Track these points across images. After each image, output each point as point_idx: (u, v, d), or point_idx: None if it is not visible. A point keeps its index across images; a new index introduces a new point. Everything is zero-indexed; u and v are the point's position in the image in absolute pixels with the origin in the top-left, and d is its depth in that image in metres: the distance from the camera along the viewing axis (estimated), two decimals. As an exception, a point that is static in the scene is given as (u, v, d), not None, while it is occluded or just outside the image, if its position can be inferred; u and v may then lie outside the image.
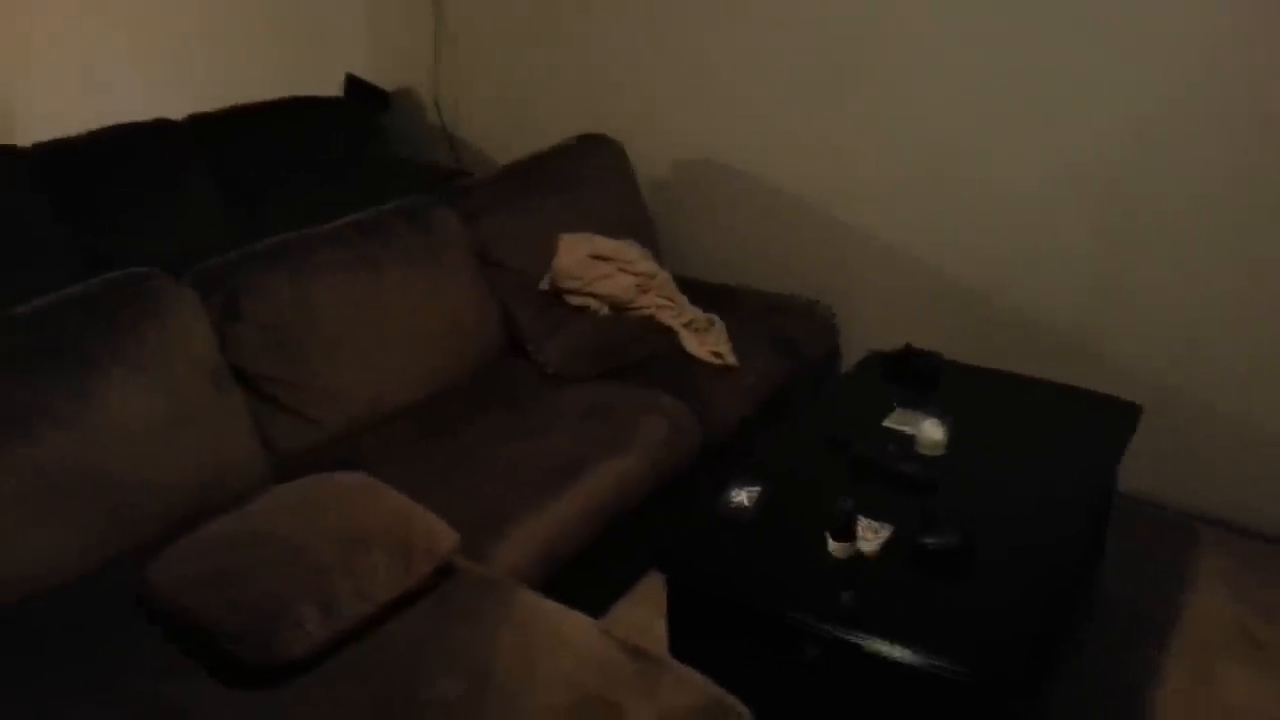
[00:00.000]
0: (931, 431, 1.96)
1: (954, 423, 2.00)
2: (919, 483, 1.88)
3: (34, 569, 1.67)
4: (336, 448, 2.17)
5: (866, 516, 1.76)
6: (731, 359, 2.45)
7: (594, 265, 2.52)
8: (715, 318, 2.56)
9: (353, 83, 3.62)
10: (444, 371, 2.41)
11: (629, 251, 2.60)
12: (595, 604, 2.11)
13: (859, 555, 1.64)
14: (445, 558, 1.72)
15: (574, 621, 1.65)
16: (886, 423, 2.09)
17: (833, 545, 1.59)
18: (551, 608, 1.68)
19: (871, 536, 1.72)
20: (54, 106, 5.05)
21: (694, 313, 2.57)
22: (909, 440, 2.01)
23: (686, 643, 1.77)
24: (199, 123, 3.24)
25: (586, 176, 2.85)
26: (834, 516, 1.60)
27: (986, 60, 2.48)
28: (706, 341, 2.49)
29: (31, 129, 5.20)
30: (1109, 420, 2.12)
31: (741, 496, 1.85)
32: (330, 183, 3.43)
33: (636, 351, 2.47)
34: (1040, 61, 2.41)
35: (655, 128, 3.09)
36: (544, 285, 2.59)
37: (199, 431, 1.93)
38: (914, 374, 2.28)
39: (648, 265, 2.61)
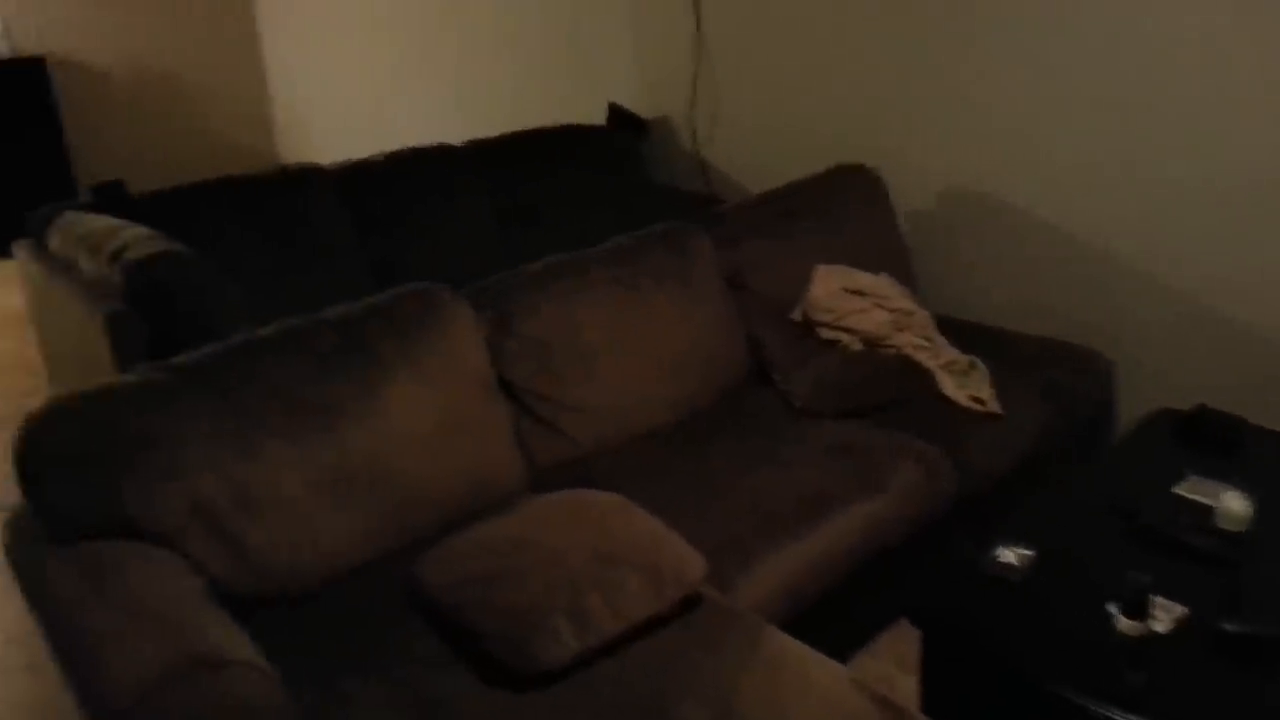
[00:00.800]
0: (1233, 504, 1.76)
1: (1261, 496, 1.78)
2: (1218, 559, 1.68)
3: (332, 554, 1.82)
4: (588, 464, 2.23)
5: (1157, 593, 1.59)
6: (995, 406, 2.31)
7: (849, 299, 2.46)
8: (977, 360, 2.43)
9: (615, 111, 3.75)
10: (692, 396, 2.43)
11: (885, 286, 2.52)
12: (835, 650, 2.04)
13: (1150, 635, 1.48)
14: (694, 586, 1.72)
15: (823, 667, 1.59)
16: (1178, 490, 1.89)
17: (1122, 621, 1.45)
18: (799, 649, 1.64)
19: (1163, 615, 1.55)
20: (346, 130, 5.60)
21: (953, 354, 2.46)
22: (1205, 512, 1.80)
23: (941, 703, 1.67)
24: (477, 148, 3.47)
25: (843, 207, 2.80)
26: (1123, 589, 1.46)
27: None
28: (966, 385, 2.36)
29: (326, 150, 5.80)
30: None
31: (1009, 556, 1.73)
32: (593, 206, 3.58)
33: (889, 391, 2.38)
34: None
35: (914, 158, 2.99)
36: (795, 315, 2.56)
37: (470, 437, 2.04)
38: (1210, 438, 2.07)
39: (904, 302, 2.52)
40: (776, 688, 1.55)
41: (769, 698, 1.52)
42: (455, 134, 3.73)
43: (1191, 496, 1.86)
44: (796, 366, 2.44)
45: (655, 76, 3.76)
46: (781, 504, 2.02)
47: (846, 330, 2.46)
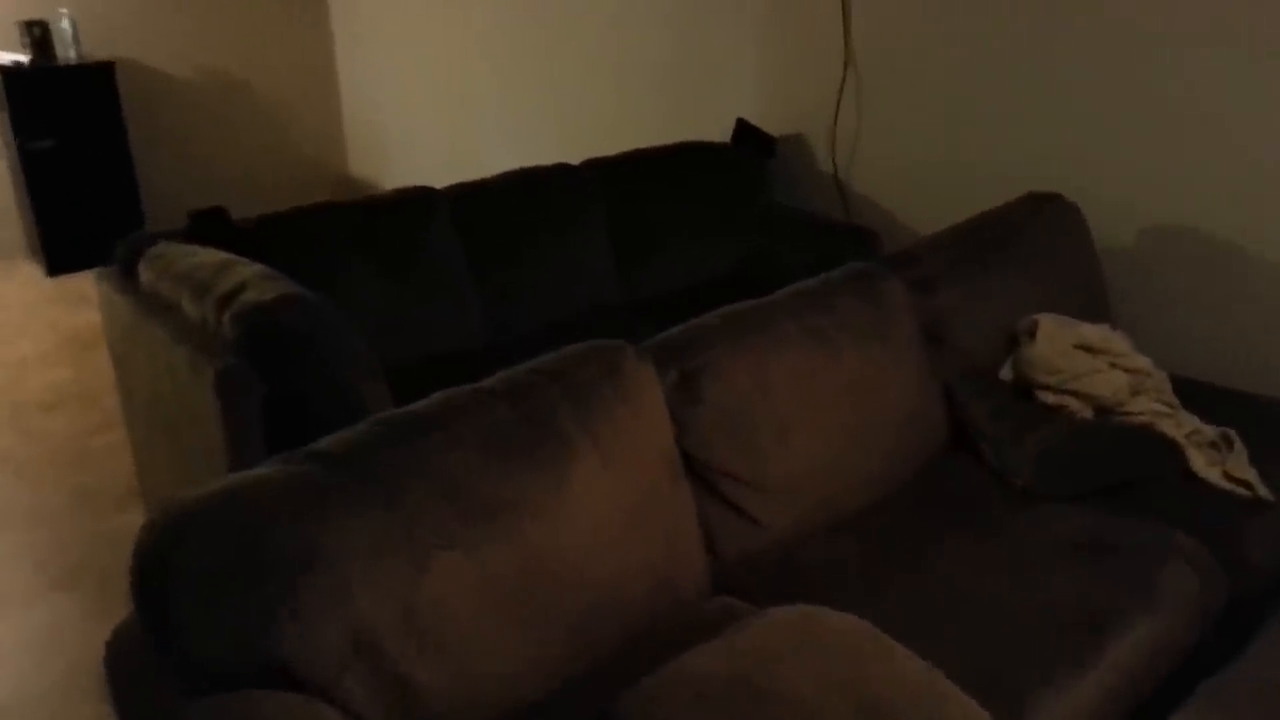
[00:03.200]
0: None
1: None
2: None
3: (508, 686, 1.48)
4: (780, 559, 1.87)
5: None
6: (1263, 490, 1.93)
7: (1080, 357, 2.09)
8: (1230, 432, 2.04)
9: (742, 128, 3.40)
10: (888, 472, 2.07)
11: (1116, 342, 2.15)
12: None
13: None
14: (983, 748, 1.36)
15: None
16: None
17: None
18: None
19: None
20: (425, 150, 5.29)
21: (1195, 423, 2.08)
22: None
23: None
24: (594, 167, 3.14)
25: (1043, 244, 2.42)
26: None
27: None
28: (1223, 463, 1.98)
29: (403, 172, 5.50)
30: None
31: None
32: (718, 231, 3.24)
33: (1131, 469, 2.00)
34: None
35: (1107, 189, 2.61)
36: (1005, 374, 2.19)
37: (658, 529, 1.70)
38: None
39: (1140, 360, 2.14)
40: None
41: None
42: (557, 157, 3.40)
43: None
44: (1015, 438, 2.06)
45: (789, 90, 3.41)
46: (1042, 622, 1.66)
47: (1076, 395, 2.09)
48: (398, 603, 1.38)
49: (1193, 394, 2.20)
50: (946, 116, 2.96)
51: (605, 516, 1.61)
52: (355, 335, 2.00)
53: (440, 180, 3.06)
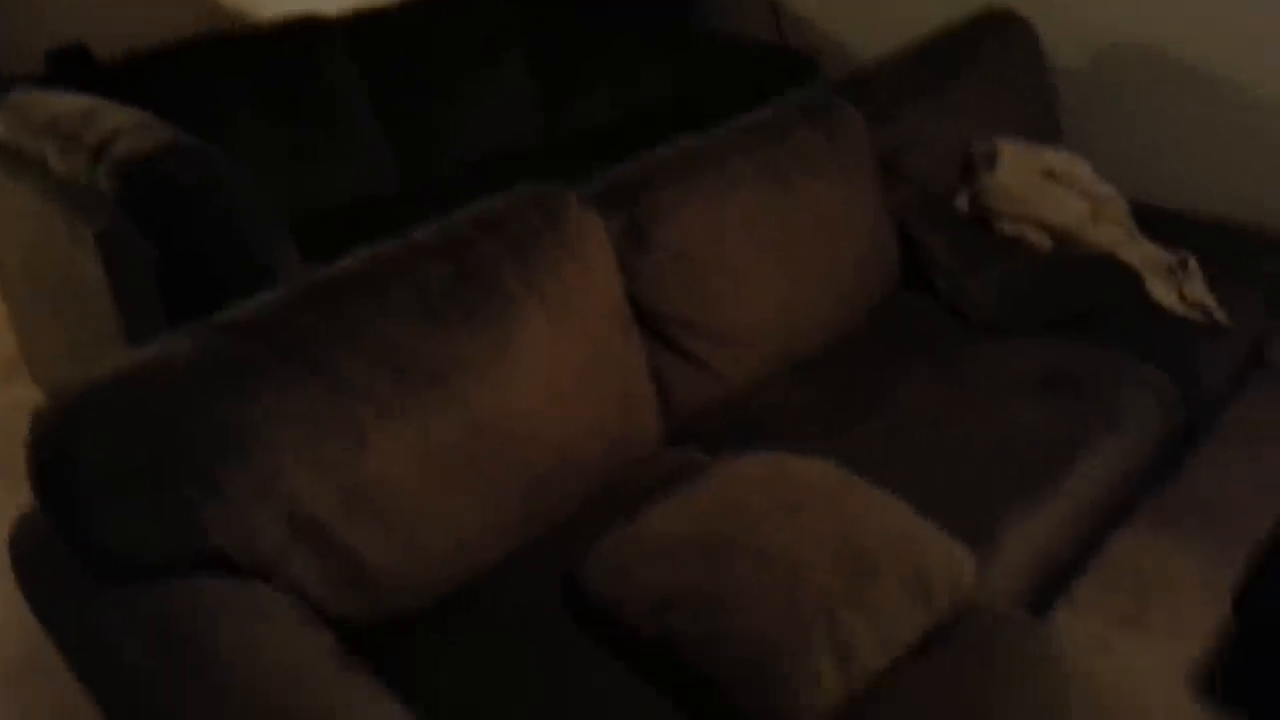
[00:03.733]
0: None
1: None
2: None
3: (464, 555, 1.38)
4: (736, 407, 1.78)
5: None
6: (1220, 314, 1.91)
7: (1041, 184, 1.99)
8: (1188, 257, 1.99)
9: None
10: (846, 312, 1.97)
11: (1078, 166, 2.06)
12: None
13: None
14: (969, 592, 1.32)
15: (1149, 683, 1.23)
16: None
17: None
18: (1114, 669, 1.27)
19: None
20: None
21: (1154, 250, 2.02)
22: None
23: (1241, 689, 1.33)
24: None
25: (999, 67, 2.28)
26: None
27: None
28: (1180, 288, 1.94)
29: None
30: None
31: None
32: (646, 58, 3.00)
33: (1090, 297, 1.95)
34: None
35: (1059, 4, 2.46)
36: (961, 205, 2.09)
37: (610, 385, 1.58)
38: None
39: (1101, 186, 2.06)
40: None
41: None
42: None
43: None
44: (974, 270, 1.98)
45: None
46: (1008, 453, 1.62)
47: (1035, 223, 2.00)
48: (338, 481, 1.24)
49: (1149, 219, 2.14)
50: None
51: (553, 376, 1.48)
52: (251, 185, 1.77)
53: (328, 5, 2.72)
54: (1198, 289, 1.95)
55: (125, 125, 1.77)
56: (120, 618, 1.11)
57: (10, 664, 1.92)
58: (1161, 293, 1.95)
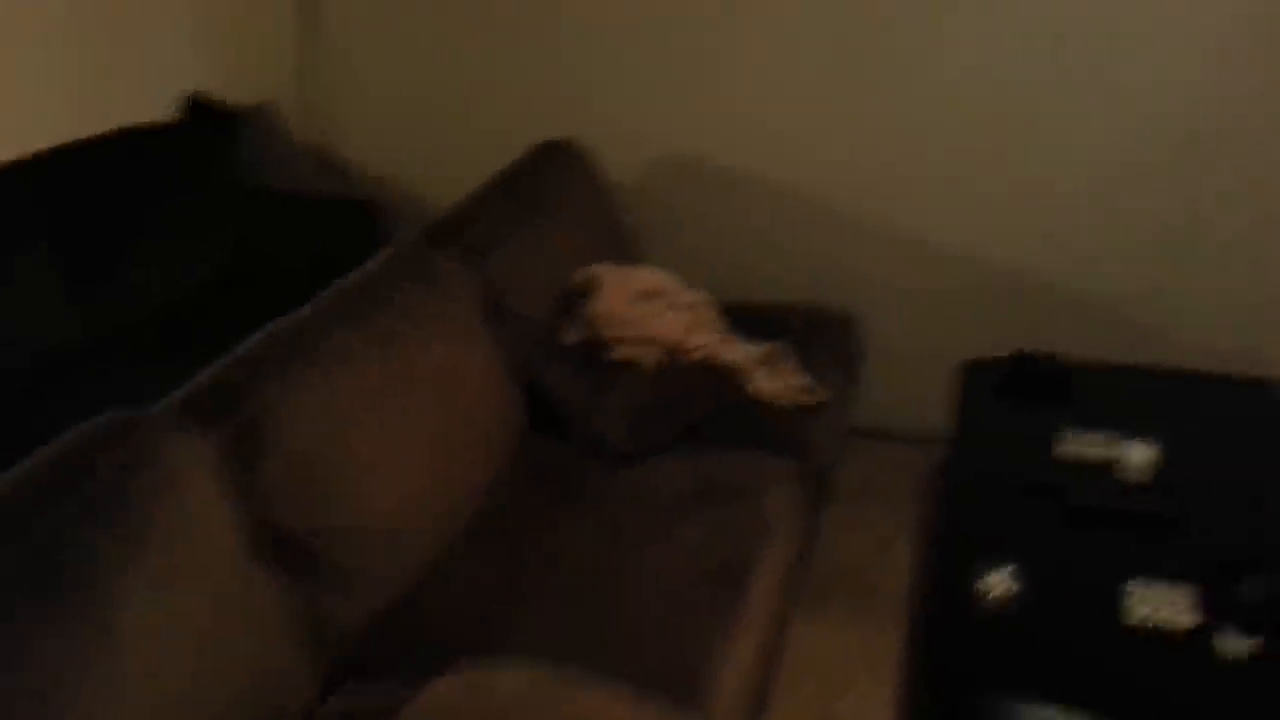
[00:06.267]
0: (1141, 454, 1.71)
1: (1152, 434, 1.76)
2: (1164, 520, 1.62)
3: None
4: (404, 611, 1.58)
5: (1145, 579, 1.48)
6: (820, 392, 2.09)
7: (642, 304, 2.06)
8: (780, 345, 2.17)
9: (194, 103, 2.85)
10: (486, 472, 1.86)
11: (667, 281, 2.16)
12: None
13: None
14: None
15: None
16: (1069, 450, 1.81)
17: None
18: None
19: (1173, 606, 1.43)
20: None
21: (749, 347, 2.17)
22: (1104, 469, 1.74)
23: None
24: (13, 170, 2.39)
25: (567, 194, 2.35)
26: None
27: (1019, 22, 2.27)
28: (781, 376, 2.10)
29: None
30: (1264, 401, 1.97)
31: (994, 585, 1.49)
32: (189, 227, 2.70)
33: (708, 404, 2.04)
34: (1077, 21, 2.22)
35: (611, 129, 2.63)
36: (570, 337, 2.09)
37: (240, 647, 1.30)
38: (1039, 385, 2.04)
39: (691, 295, 2.18)
40: None
41: None
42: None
43: (1085, 454, 1.79)
44: (599, 402, 1.98)
45: (243, 54, 2.92)
46: (691, 584, 1.60)
47: (644, 344, 2.05)
48: None
49: (739, 315, 2.30)
50: (436, 69, 2.75)
51: (171, 658, 1.18)
52: None
53: None
54: (794, 373, 2.12)
55: None
56: None
57: None
58: (766, 385, 2.09)
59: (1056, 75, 2.28)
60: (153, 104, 2.86)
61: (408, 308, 1.77)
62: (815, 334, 2.33)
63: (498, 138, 2.59)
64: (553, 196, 2.28)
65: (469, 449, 1.82)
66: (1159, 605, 1.42)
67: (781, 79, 2.47)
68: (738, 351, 2.13)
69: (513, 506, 1.83)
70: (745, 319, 2.31)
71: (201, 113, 2.87)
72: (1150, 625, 1.40)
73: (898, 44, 2.35)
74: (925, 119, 2.40)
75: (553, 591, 1.60)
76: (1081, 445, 1.80)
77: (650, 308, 2.06)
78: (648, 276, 2.13)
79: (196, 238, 2.72)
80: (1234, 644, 1.31)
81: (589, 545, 1.70)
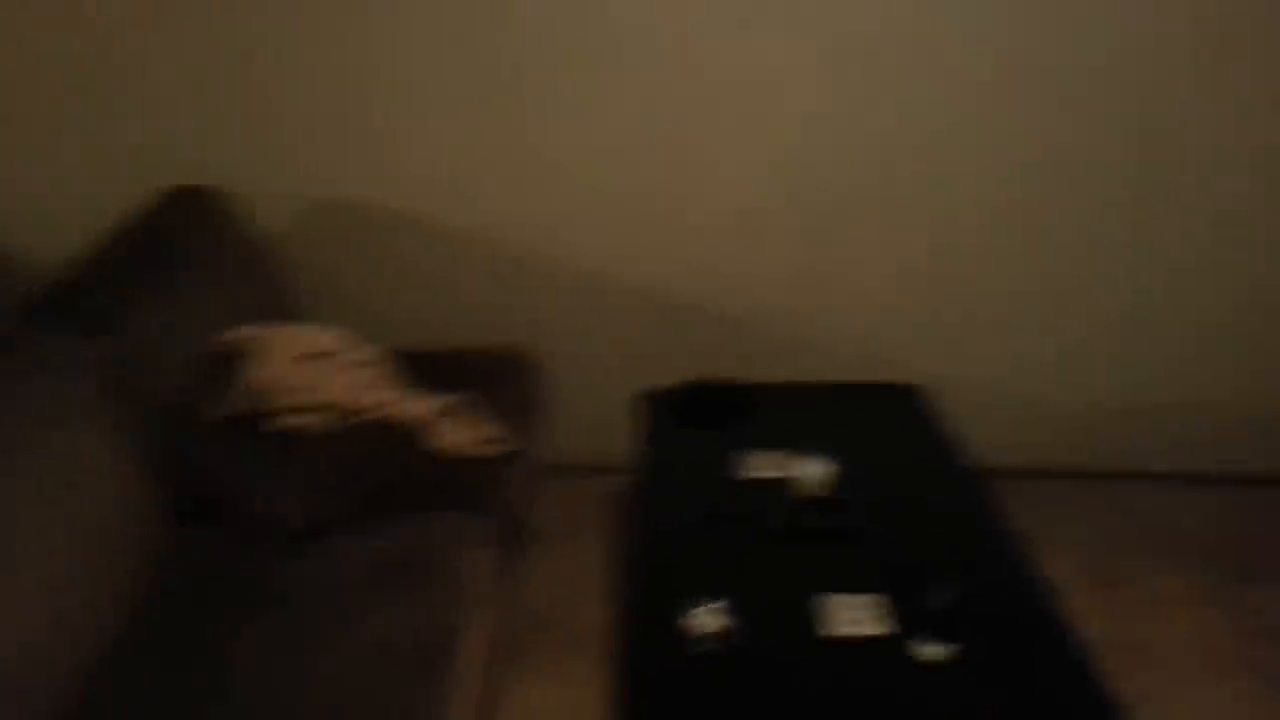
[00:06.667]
0: (817, 470, 1.79)
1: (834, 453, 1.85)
2: (848, 533, 1.69)
3: None
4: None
5: (839, 594, 1.53)
6: (513, 442, 1.99)
7: (308, 366, 1.84)
8: (464, 397, 2.04)
9: None
10: (133, 581, 1.57)
11: (333, 338, 1.96)
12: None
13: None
14: None
15: None
16: (750, 474, 1.84)
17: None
18: None
19: (868, 616, 1.49)
20: None
21: (430, 400, 2.03)
22: (781, 488, 1.80)
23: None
24: None
25: (212, 250, 2.08)
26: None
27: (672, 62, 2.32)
28: (471, 427, 1.98)
29: None
30: (911, 405, 2.13)
31: (705, 621, 1.48)
32: None
33: (388, 468, 1.87)
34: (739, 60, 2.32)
35: (249, 171, 2.36)
36: (221, 412, 1.83)
37: None
38: (717, 409, 2.09)
39: (361, 351, 1.99)
40: None
41: None
42: None
43: (768, 474, 1.83)
44: (264, 479, 1.75)
45: None
46: (404, 669, 1.44)
47: (313, 410, 1.84)
48: None
49: (416, 365, 2.14)
50: (42, 115, 2.33)
51: None
52: None
53: None
54: (481, 423, 2.01)
55: None
56: None
57: None
58: (451, 438, 1.96)
59: (712, 121, 2.35)
60: None
61: (3, 407, 1.44)
62: (498, 378, 2.24)
63: (120, 186, 2.24)
64: (186, 250, 2.00)
65: (99, 565, 1.52)
66: (856, 616, 1.47)
67: (440, 120, 2.34)
68: (418, 406, 1.99)
69: (166, 620, 1.56)
70: (424, 367, 2.16)
71: None
72: (849, 636, 1.44)
73: (559, 83, 2.32)
74: (585, 157, 2.38)
75: (247, 710, 1.36)
76: (761, 466, 1.86)
77: (318, 369, 1.85)
78: (313, 335, 1.92)
79: None
80: (930, 649, 1.38)
81: (264, 653, 1.48)
